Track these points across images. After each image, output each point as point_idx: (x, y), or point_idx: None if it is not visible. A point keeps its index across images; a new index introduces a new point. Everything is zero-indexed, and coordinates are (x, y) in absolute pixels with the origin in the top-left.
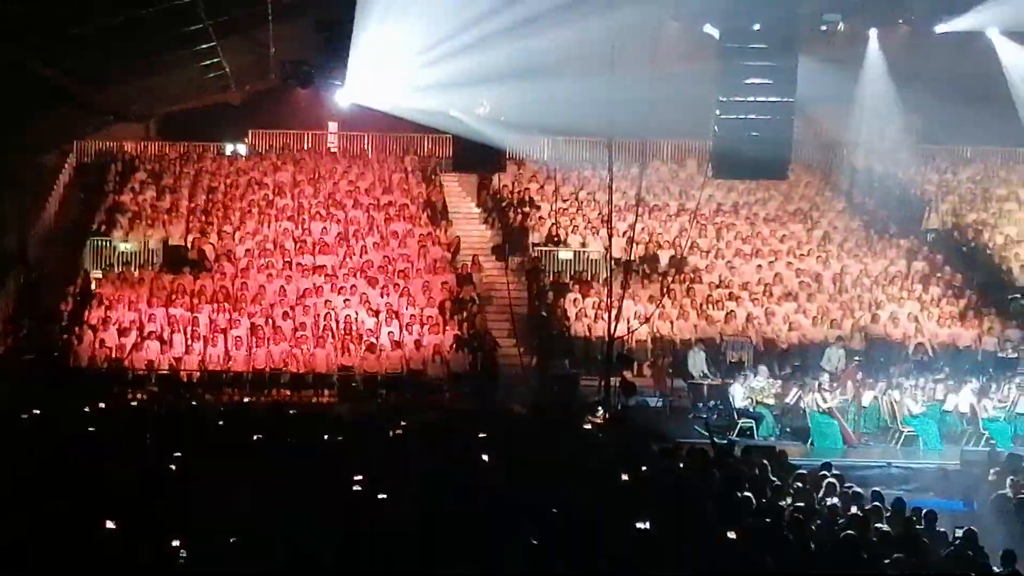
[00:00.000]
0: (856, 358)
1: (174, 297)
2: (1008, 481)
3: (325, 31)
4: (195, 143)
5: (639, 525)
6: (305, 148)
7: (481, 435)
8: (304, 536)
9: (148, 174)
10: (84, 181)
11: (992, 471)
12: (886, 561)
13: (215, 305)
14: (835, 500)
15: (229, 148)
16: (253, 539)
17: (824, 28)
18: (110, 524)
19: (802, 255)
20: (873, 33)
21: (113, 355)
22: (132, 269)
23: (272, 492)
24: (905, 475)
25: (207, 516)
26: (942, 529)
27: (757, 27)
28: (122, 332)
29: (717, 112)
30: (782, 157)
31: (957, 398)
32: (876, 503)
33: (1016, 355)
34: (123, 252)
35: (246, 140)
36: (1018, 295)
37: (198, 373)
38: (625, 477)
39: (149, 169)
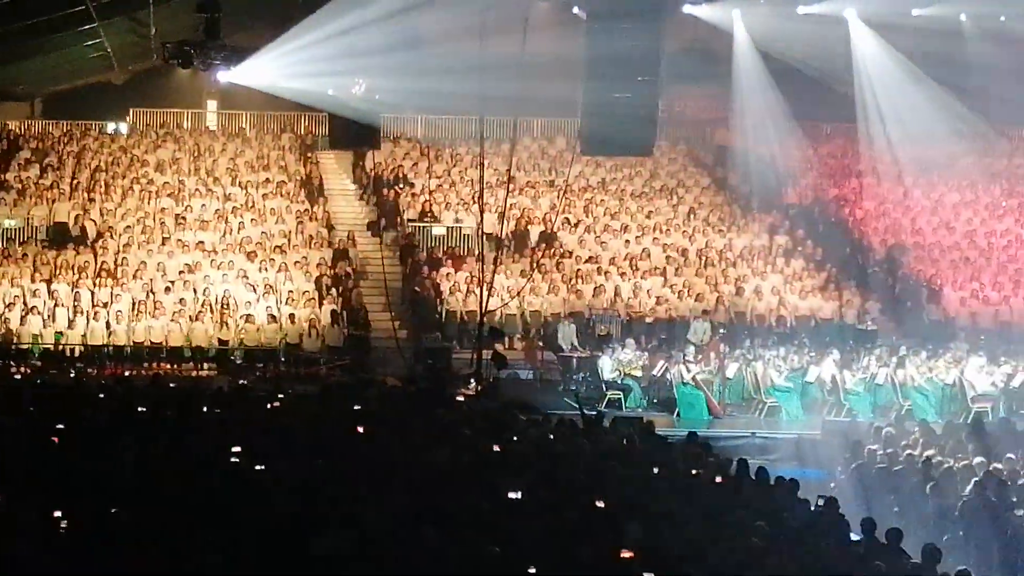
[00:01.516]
0: (721, 331)
1: (57, 273)
2: (867, 451)
3: (205, 12)
4: (78, 122)
5: (510, 495)
6: (185, 127)
7: (356, 407)
8: (184, 507)
9: (32, 152)
10: None
11: (852, 441)
12: (750, 528)
13: (97, 280)
14: (700, 470)
15: (111, 127)
16: (135, 510)
17: (688, 9)
18: None
19: (668, 230)
20: (736, 13)
21: None
22: (16, 245)
23: (153, 464)
24: (768, 445)
25: (89, 487)
26: (804, 497)
27: (622, 10)
28: (6, 307)
29: (584, 91)
30: (648, 134)
31: (819, 369)
32: (740, 472)
33: (875, 327)
34: (7, 228)
35: (128, 119)
36: (877, 269)
37: (80, 347)
38: (496, 447)
39: (33, 147)
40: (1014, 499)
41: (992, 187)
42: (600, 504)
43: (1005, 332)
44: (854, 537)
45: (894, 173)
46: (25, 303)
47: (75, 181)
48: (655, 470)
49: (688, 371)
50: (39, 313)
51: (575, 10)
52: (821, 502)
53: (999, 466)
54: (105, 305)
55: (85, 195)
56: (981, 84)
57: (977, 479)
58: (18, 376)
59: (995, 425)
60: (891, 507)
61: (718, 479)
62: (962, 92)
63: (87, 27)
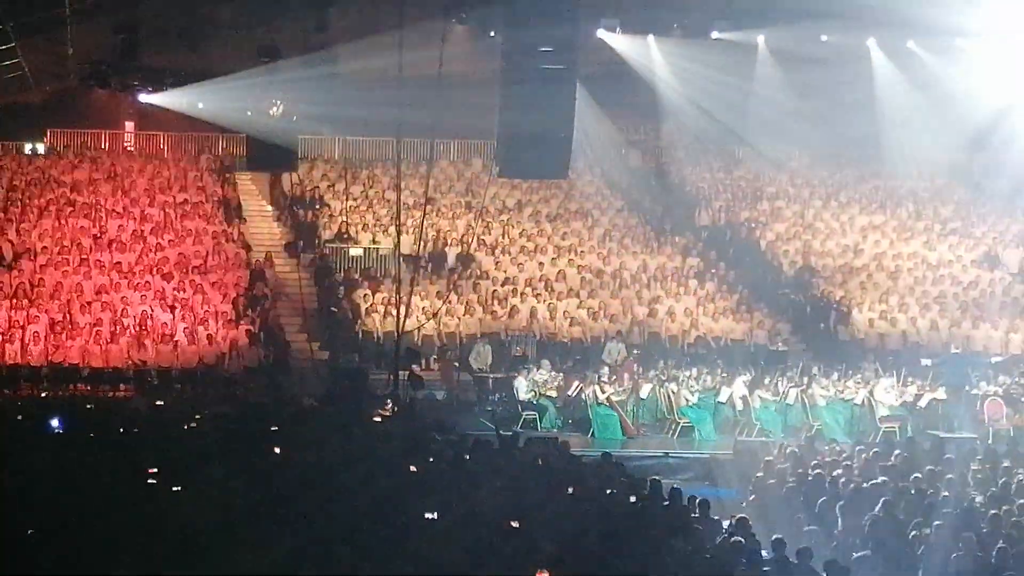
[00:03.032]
0: (634, 351)
1: None
2: (778, 470)
3: (122, 32)
4: None
5: (426, 515)
6: (103, 147)
7: (273, 427)
8: (100, 528)
9: None
10: None
11: (763, 460)
12: (663, 547)
13: (13, 301)
14: (614, 489)
15: (28, 147)
16: (51, 532)
17: (602, 35)
18: None
19: (583, 252)
20: (651, 39)
21: None
22: None
23: (69, 485)
24: (681, 464)
25: (4, 509)
26: (716, 517)
27: (537, 34)
28: None
29: (500, 113)
30: (563, 157)
31: (730, 390)
32: (653, 492)
33: (786, 348)
34: None
35: (45, 139)
36: (787, 291)
37: None
38: (412, 468)
39: None
40: (922, 517)
41: (899, 210)
42: (515, 524)
43: (912, 353)
44: (765, 555)
45: (804, 196)
46: None
47: None
48: (570, 490)
49: (603, 391)
50: None
51: (491, 33)
52: (733, 521)
53: (907, 485)
54: (21, 326)
55: (1, 215)
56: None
57: (886, 498)
58: None
59: (903, 444)
60: (801, 526)
61: (632, 498)
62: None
63: (3, 47)
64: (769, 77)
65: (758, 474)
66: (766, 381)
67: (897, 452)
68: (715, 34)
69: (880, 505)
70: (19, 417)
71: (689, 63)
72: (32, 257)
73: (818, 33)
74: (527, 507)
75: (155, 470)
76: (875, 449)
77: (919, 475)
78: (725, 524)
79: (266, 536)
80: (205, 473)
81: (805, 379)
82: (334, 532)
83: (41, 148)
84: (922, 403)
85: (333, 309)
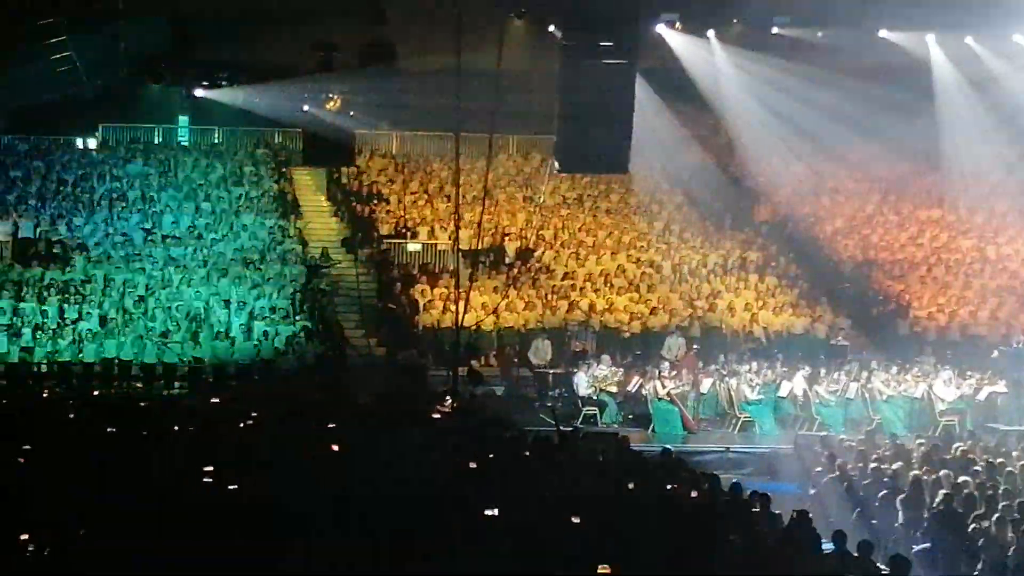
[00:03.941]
0: (695, 346)
1: (23, 289)
2: (838, 464)
3: (176, 27)
4: (44, 136)
5: (487, 512)
6: (156, 142)
7: (331, 425)
8: (154, 528)
9: None
10: None
11: (824, 455)
12: (724, 542)
13: (65, 296)
14: (675, 484)
15: (79, 141)
16: (104, 533)
17: (661, 27)
18: None
19: (643, 247)
20: (711, 34)
21: None
22: None
23: (123, 484)
24: (742, 459)
25: (57, 510)
26: (776, 511)
27: (597, 28)
28: None
29: (560, 108)
30: (622, 152)
31: (791, 384)
32: (714, 487)
33: (846, 343)
34: None
35: (97, 134)
36: (847, 285)
37: (47, 366)
38: (472, 464)
39: (1, 161)
40: (982, 510)
41: (957, 204)
42: (576, 520)
43: (971, 346)
44: (826, 549)
45: (863, 190)
46: None
47: (44, 196)
48: (630, 485)
49: (663, 387)
50: (3, 330)
51: (551, 28)
52: (794, 515)
53: (967, 478)
54: (73, 322)
55: (54, 210)
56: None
57: (945, 491)
58: None
59: (962, 437)
60: (862, 519)
61: (693, 493)
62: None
63: (54, 40)
64: (826, 72)
65: (818, 468)
66: (826, 375)
67: (957, 445)
68: (775, 29)
69: (939, 498)
70: (71, 416)
71: (748, 58)
72: (85, 252)
73: (876, 28)
74: (588, 503)
75: (210, 469)
76: (935, 442)
77: (979, 468)
78: (786, 518)
79: (324, 536)
80: (261, 472)
81: (865, 373)
82: (394, 530)
83: (93, 143)
84: (981, 396)
85: (391, 305)
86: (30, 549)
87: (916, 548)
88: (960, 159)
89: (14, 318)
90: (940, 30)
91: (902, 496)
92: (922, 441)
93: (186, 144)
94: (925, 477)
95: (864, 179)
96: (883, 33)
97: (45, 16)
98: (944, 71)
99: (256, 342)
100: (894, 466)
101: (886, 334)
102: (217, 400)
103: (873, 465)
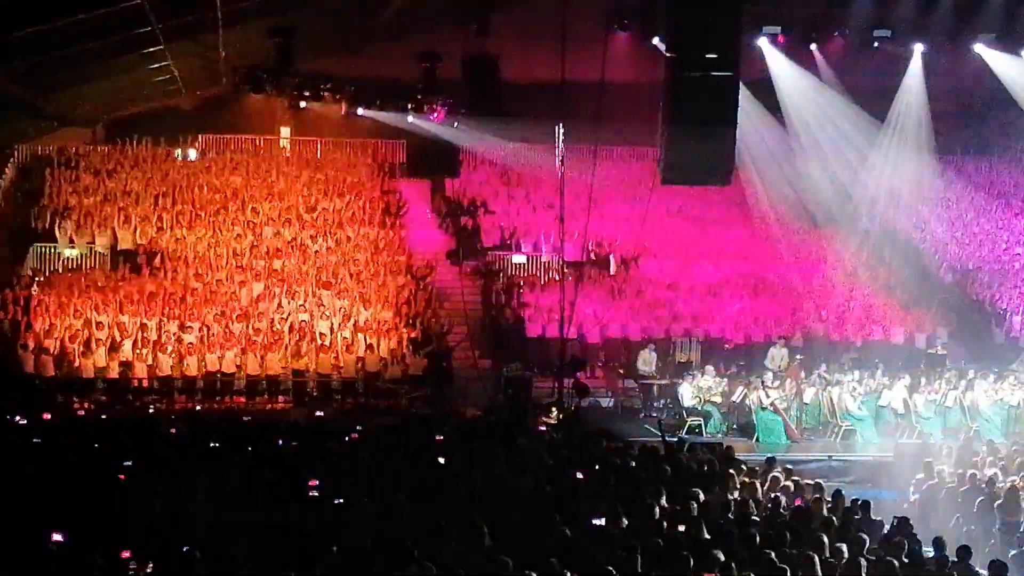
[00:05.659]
0: (797, 356)
1: (123, 303)
2: (937, 471)
3: (278, 37)
4: (144, 147)
5: (594, 521)
6: (257, 153)
7: (437, 437)
8: (261, 544)
9: (95, 178)
10: (27, 186)
11: (924, 462)
12: (826, 549)
13: (166, 310)
14: (779, 493)
15: (178, 152)
16: (209, 548)
17: (760, 41)
18: (57, 536)
19: (746, 256)
20: (813, 46)
21: (61, 363)
22: (78, 274)
23: (227, 500)
24: (844, 467)
25: (159, 526)
26: (878, 518)
27: (701, 41)
28: (70, 338)
29: (663, 119)
30: (726, 163)
31: (891, 393)
32: (817, 495)
33: (945, 352)
34: (69, 257)
35: (196, 145)
36: (946, 295)
37: (148, 380)
38: (579, 475)
39: (97, 171)
40: None
41: None
42: (682, 528)
43: None
44: (927, 554)
45: (960, 200)
46: (89, 334)
47: (142, 208)
48: (736, 494)
49: (767, 396)
50: (103, 344)
51: (655, 40)
52: (895, 521)
53: None
54: (174, 335)
55: (153, 222)
56: None
57: None
58: (81, 411)
59: None
60: (960, 525)
61: (797, 501)
62: None
63: (152, 50)
64: (924, 83)
65: (918, 475)
66: (925, 384)
67: None
68: (876, 44)
69: None
70: (173, 431)
71: (849, 70)
72: (185, 264)
73: (973, 40)
74: (694, 512)
75: (317, 483)
76: None
77: None
78: (887, 524)
79: (433, 548)
80: (368, 486)
81: (963, 382)
82: (503, 542)
83: (193, 154)
84: None
85: (496, 317)
86: (132, 567)
87: (1012, 552)
88: None
89: (113, 332)
90: None
91: (999, 502)
92: (1018, 448)
93: (288, 154)
94: (1021, 484)
95: (961, 188)
96: (977, 46)
97: (141, 25)
98: None
99: (360, 355)
100: (991, 473)
101: (984, 343)
102: (321, 414)
103: (971, 472)
